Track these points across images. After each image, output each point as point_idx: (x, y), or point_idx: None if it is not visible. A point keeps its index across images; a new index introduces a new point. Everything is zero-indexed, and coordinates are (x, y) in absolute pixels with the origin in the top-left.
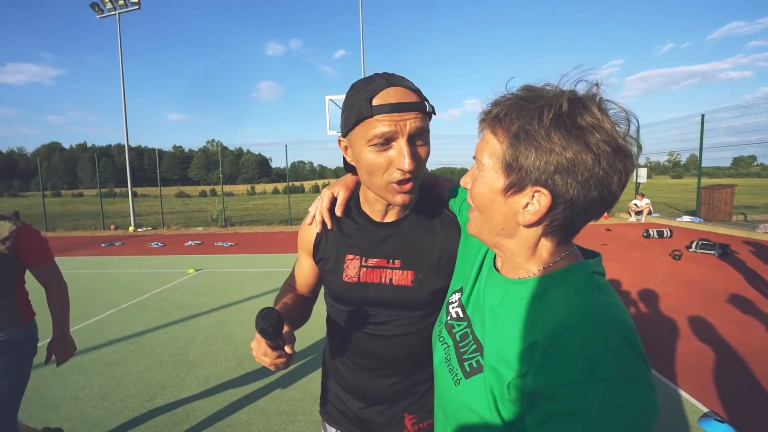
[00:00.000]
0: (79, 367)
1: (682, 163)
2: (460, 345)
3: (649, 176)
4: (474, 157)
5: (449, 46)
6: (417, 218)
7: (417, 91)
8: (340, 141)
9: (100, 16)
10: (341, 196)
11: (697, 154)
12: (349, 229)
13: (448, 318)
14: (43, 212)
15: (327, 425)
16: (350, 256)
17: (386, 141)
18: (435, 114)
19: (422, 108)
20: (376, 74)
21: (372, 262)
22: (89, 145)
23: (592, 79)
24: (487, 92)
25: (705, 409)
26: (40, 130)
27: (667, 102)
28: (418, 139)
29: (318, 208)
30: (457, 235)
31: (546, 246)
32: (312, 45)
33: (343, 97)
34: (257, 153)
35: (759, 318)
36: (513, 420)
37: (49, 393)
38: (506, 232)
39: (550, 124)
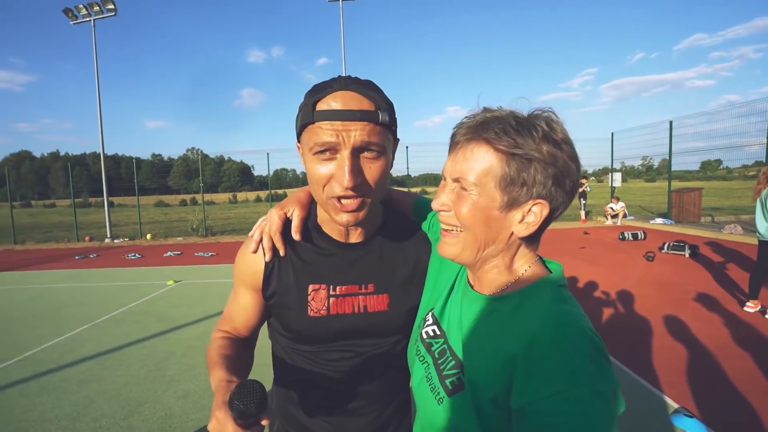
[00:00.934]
0: (48, 387)
1: (654, 167)
2: (439, 362)
3: (624, 180)
4: (456, 178)
5: (432, 53)
6: (386, 236)
7: (374, 99)
8: (297, 146)
9: (74, 22)
10: (297, 216)
11: (668, 158)
12: (308, 254)
13: (426, 336)
14: (11, 224)
15: None
16: (315, 286)
17: (329, 151)
18: (395, 127)
19: (372, 118)
20: (337, 77)
21: (341, 289)
22: (62, 153)
23: (536, 103)
24: (468, 100)
25: (676, 405)
26: (8, 138)
27: (639, 108)
28: (367, 152)
29: (266, 232)
30: (428, 251)
31: (524, 255)
32: (294, 52)
33: None
34: (239, 161)
35: (725, 316)
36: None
37: (15, 416)
38: (496, 247)
39: (541, 140)
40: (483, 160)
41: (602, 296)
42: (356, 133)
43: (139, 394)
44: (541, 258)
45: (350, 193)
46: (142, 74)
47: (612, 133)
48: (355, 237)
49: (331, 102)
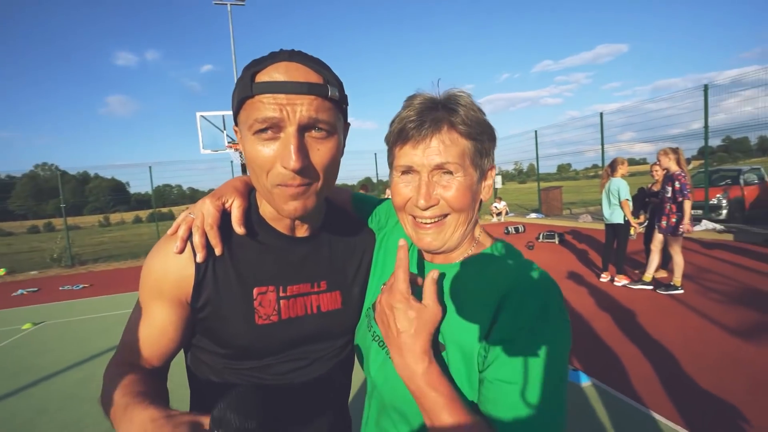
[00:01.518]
0: None
1: (524, 170)
2: None
3: (502, 183)
4: (439, 165)
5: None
6: (332, 231)
7: (322, 73)
8: (235, 130)
9: None
10: (237, 206)
11: (534, 163)
12: (251, 251)
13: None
14: None
15: None
16: (261, 289)
17: (271, 129)
18: (345, 105)
19: (321, 92)
20: (282, 50)
21: (292, 289)
22: None
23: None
24: (358, 108)
25: None
26: None
27: (508, 120)
28: (315, 130)
29: (197, 226)
30: (373, 244)
31: (476, 220)
32: (173, 57)
33: (216, 113)
34: (110, 177)
35: (588, 286)
36: (476, 382)
37: None
38: (472, 218)
39: (483, 114)
40: (458, 144)
41: None
42: (303, 108)
43: None
44: None
45: (297, 178)
46: None
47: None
48: (302, 231)
49: (274, 73)
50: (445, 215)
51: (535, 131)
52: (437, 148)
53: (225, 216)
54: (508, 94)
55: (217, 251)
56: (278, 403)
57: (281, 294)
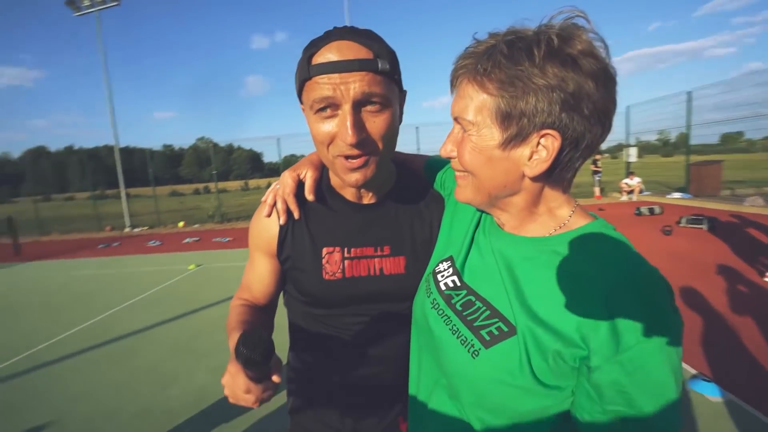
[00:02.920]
0: (92, 362)
1: (671, 141)
2: (465, 314)
3: (640, 156)
4: (455, 118)
5: (444, 25)
6: (400, 197)
7: (372, 47)
8: (302, 108)
9: (78, 13)
10: (310, 177)
11: (686, 131)
12: (322, 216)
13: (442, 287)
14: (36, 217)
15: None
16: (329, 249)
17: (329, 107)
18: (398, 76)
19: (371, 66)
20: (335, 28)
21: (356, 251)
22: (76, 147)
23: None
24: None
25: (694, 372)
26: (24, 134)
27: (654, 81)
28: (369, 105)
29: (279, 195)
30: (442, 211)
31: (554, 197)
32: (298, 36)
33: None
34: (248, 149)
35: (746, 287)
36: (553, 381)
37: (65, 388)
38: (509, 189)
39: (543, 60)
40: (477, 95)
41: None
42: (355, 84)
43: (173, 368)
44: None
45: (355, 150)
46: (146, 65)
47: (627, 107)
48: (368, 198)
49: (327, 53)
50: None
51: (688, 93)
52: (456, 99)
53: (302, 186)
54: (657, 48)
55: (296, 215)
56: (342, 351)
57: (345, 255)
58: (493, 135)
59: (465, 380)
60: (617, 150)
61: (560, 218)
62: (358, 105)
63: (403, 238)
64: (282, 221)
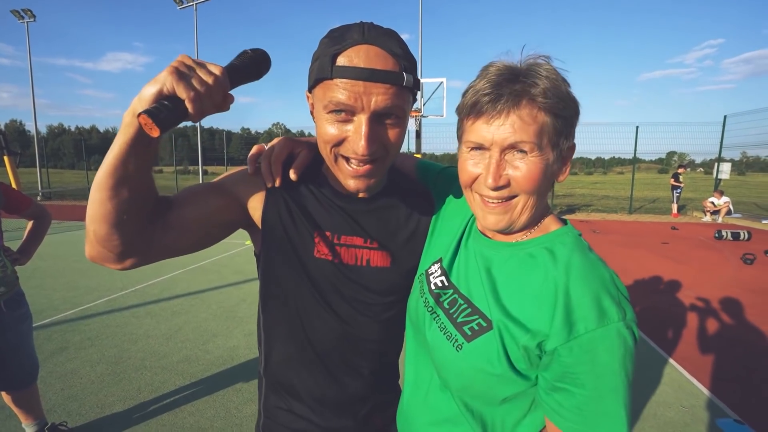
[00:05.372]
0: (152, 313)
1: None
2: (451, 312)
3: (741, 173)
4: (512, 144)
5: (515, 27)
6: (391, 195)
7: (399, 56)
8: (307, 95)
9: (180, 7)
10: (303, 155)
11: None
12: (314, 202)
13: (432, 287)
14: None
15: None
16: (320, 232)
17: (345, 112)
18: (419, 89)
19: (397, 80)
20: (357, 24)
21: (346, 239)
22: None
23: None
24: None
25: (734, 417)
26: None
27: None
28: (387, 117)
29: (266, 156)
30: (431, 212)
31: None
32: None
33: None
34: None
35: None
36: (526, 370)
37: (129, 330)
38: (543, 200)
39: (567, 85)
40: (537, 121)
41: (680, 296)
42: (378, 97)
43: (215, 328)
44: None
45: (364, 158)
46: (233, 52)
47: (725, 117)
48: (362, 193)
49: (354, 57)
50: (514, 196)
51: None
52: (513, 126)
53: (291, 160)
54: None
55: (274, 183)
56: (319, 342)
57: (335, 241)
58: (550, 156)
59: (452, 371)
60: (712, 165)
61: (537, 222)
62: (376, 116)
63: (391, 234)
64: (269, 184)
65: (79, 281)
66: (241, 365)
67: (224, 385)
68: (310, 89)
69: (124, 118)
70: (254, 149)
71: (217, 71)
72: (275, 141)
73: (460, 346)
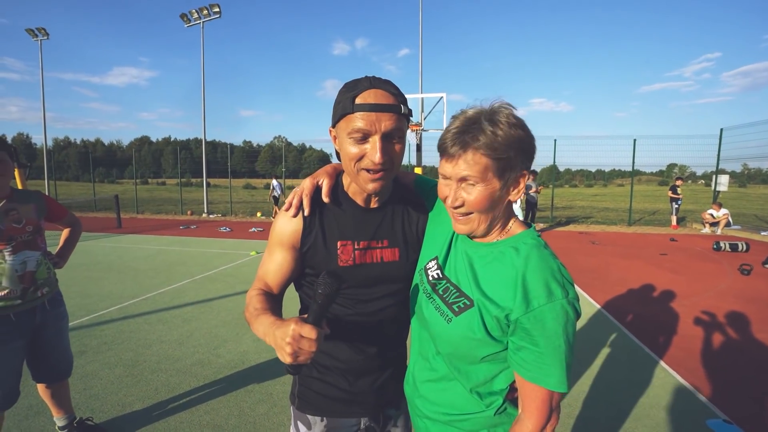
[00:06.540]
0: (163, 320)
1: None
2: (444, 296)
3: (742, 185)
4: (463, 178)
5: (516, 42)
6: (396, 204)
7: (396, 95)
8: (330, 131)
9: (188, 25)
10: (326, 184)
11: None
12: (337, 215)
13: (430, 278)
14: (135, 197)
15: (308, 416)
16: (343, 242)
17: (364, 136)
18: (411, 117)
19: (397, 110)
20: (365, 77)
21: (363, 244)
22: (172, 138)
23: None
24: (553, 90)
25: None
26: (134, 125)
27: None
28: (393, 137)
29: (297, 194)
30: (426, 216)
31: (509, 214)
32: (377, 44)
33: (408, 96)
34: (319, 149)
35: None
36: (499, 336)
37: (143, 336)
38: (497, 214)
39: (512, 127)
40: (480, 163)
41: (674, 305)
42: (386, 123)
43: (225, 334)
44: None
45: (378, 167)
46: (237, 67)
47: (721, 130)
48: (374, 203)
49: (368, 97)
50: (470, 213)
51: None
52: (462, 166)
53: (319, 190)
54: None
55: (306, 212)
56: (349, 323)
57: (356, 246)
58: (496, 185)
59: (443, 339)
60: (712, 177)
61: (506, 227)
62: (385, 137)
63: (398, 235)
64: (306, 213)
65: (91, 289)
66: (252, 368)
67: (237, 387)
68: (334, 124)
69: (262, 336)
70: (295, 197)
71: (312, 336)
72: (303, 182)
73: (449, 320)
